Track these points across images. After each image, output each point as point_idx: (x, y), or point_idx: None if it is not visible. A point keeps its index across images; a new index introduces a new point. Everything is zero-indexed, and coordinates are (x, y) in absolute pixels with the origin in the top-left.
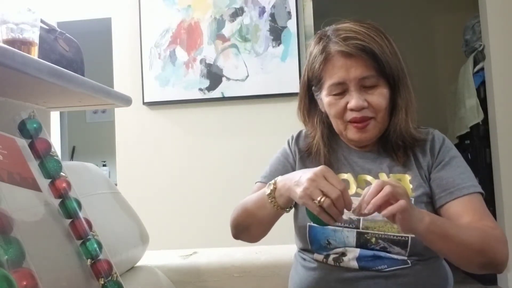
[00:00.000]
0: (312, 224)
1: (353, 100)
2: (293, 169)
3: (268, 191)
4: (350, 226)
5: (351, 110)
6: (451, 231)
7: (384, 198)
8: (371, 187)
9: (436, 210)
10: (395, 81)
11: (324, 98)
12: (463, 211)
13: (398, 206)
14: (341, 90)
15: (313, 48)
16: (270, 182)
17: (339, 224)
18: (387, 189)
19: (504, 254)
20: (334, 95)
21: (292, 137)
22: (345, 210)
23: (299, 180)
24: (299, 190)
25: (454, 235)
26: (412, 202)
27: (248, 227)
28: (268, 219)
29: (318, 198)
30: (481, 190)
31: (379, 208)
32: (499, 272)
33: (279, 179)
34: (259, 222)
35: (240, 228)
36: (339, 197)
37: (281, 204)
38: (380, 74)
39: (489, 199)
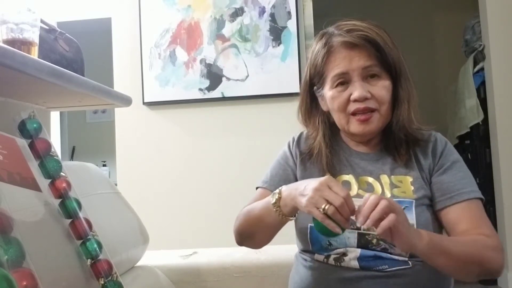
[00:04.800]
0: (313, 225)
1: (356, 90)
2: (294, 172)
3: (273, 200)
4: (351, 227)
5: (355, 101)
6: (449, 247)
7: (381, 212)
8: (367, 199)
9: (435, 213)
10: (397, 74)
11: (327, 92)
12: (462, 217)
13: (389, 220)
14: (344, 80)
15: (315, 46)
16: (275, 192)
17: (352, 227)
18: (383, 203)
19: (499, 263)
20: (337, 86)
21: (293, 139)
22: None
23: (304, 189)
24: (304, 199)
25: (452, 251)
26: (414, 204)
27: (253, 234)
28: (272, 227)
29: (323, 206)
30: (481, 196)
31: (377, 223)
32: (495, 277)
33: (284, 188)
34: (264, 229)
35: (244, 235)
36: (343, 204)
37: (286, 213)
38: (382, 66)
39: (489, 199)
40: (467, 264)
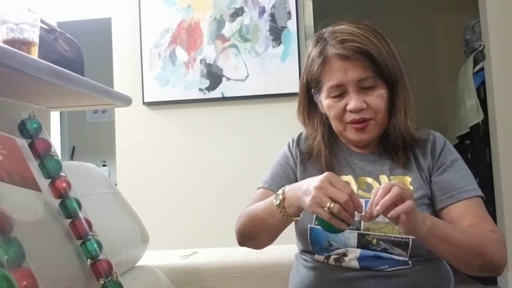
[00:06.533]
0: (313, 226)
1: (352, 102)
2: (294, 172)
3: (277, 202)
4: (351, 227)
5: (350, 111)
6: (451, 233)
7: (393, 199)
8: (379, 188)
9: (436, 213)
10: (393, 82)
11: (324, 100)
12: (464, 214)
13: (405, 207)
14: (340, 92)
15: (311, 51)
16: (278, 193)
17: (352, 227)
18: (395, 190)
19: (502, 257)
20: (333, 97)
21: (293, 140)
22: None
23: (307, 189)
24: (307, 199)
25: (454, 237)
26: None
27: (256, 235)
28: (277, 228)
29: (327, 205)
30: (482, 194)
31: (387, 209)
32: (498, 275)
33: (287, 188)
34: (267, 230)
35: (246, 236)
36: (348, 201)
37: (290, 213)
38: (378, 75)
39: (489, 199)
40: (469, 253)
